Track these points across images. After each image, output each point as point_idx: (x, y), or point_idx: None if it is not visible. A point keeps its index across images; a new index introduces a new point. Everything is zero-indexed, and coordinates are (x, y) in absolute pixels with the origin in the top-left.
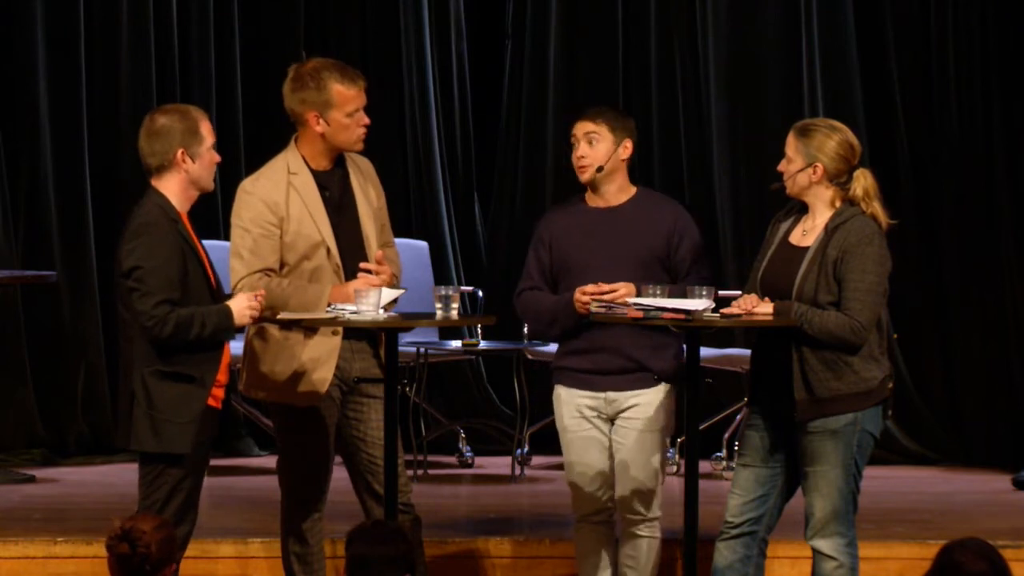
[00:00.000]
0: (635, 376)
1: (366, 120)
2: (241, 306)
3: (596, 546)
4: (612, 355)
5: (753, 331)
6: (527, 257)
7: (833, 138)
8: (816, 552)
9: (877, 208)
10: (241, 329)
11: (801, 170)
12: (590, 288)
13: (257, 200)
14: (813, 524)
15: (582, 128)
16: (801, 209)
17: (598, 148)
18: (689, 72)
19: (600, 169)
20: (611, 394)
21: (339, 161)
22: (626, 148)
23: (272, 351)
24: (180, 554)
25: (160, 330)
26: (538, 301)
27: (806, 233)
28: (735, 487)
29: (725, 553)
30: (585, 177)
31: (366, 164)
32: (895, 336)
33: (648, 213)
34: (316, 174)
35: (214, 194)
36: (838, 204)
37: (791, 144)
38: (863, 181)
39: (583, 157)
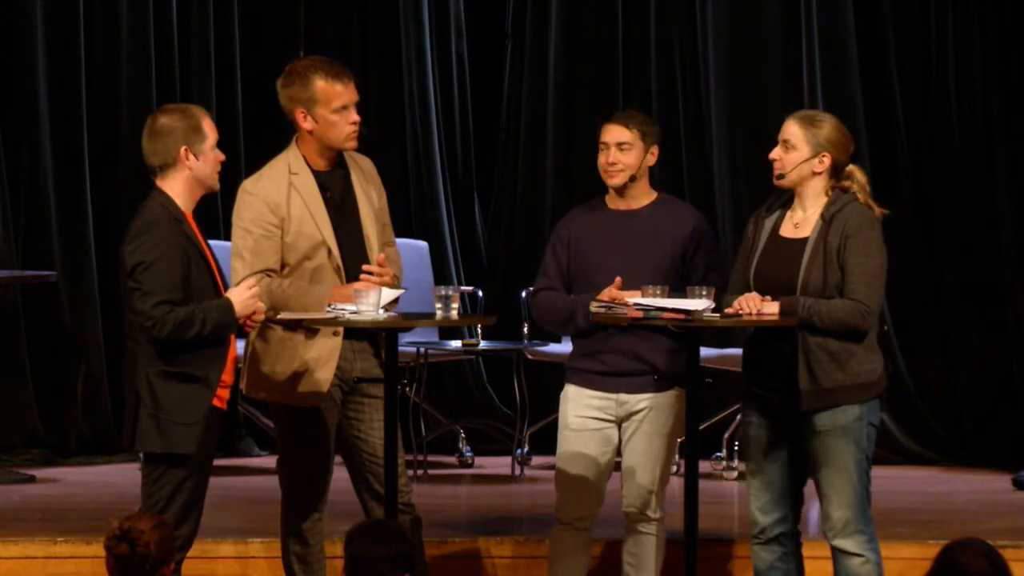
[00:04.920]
0: (647, 379)
1: (355, 117)
2: (242, 297)
3: (573, 551)
4: (625, 357)
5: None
6: (545, 255)
7: (840, 131)
8: (839, 551)
9: (871, 202)
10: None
11: (807, 160)
12: (607, 295)
13: (258, 201)
14: (832, 525)
15: (614, 135)
16: (785, 203)
17: (629, 155)
18: (689, 72)
19: (633, 178)
20: (622, 396)
21: (340, 161)
22: (653, 155)
23: (273, 351)
24: (182, 555)
25: (159, 330)
26: (552, 302)
27: (798, 225)
28: (752, 492)
29: (763, 556)
30: (615, 182)
31: (367, 163)
32: (885, 328)
33: (667, 218)
34: (317, 174)
35: (214, 194)
36: (829, 194)
37: (794, 133)
38: (859, 177)
39: (615, 163)
